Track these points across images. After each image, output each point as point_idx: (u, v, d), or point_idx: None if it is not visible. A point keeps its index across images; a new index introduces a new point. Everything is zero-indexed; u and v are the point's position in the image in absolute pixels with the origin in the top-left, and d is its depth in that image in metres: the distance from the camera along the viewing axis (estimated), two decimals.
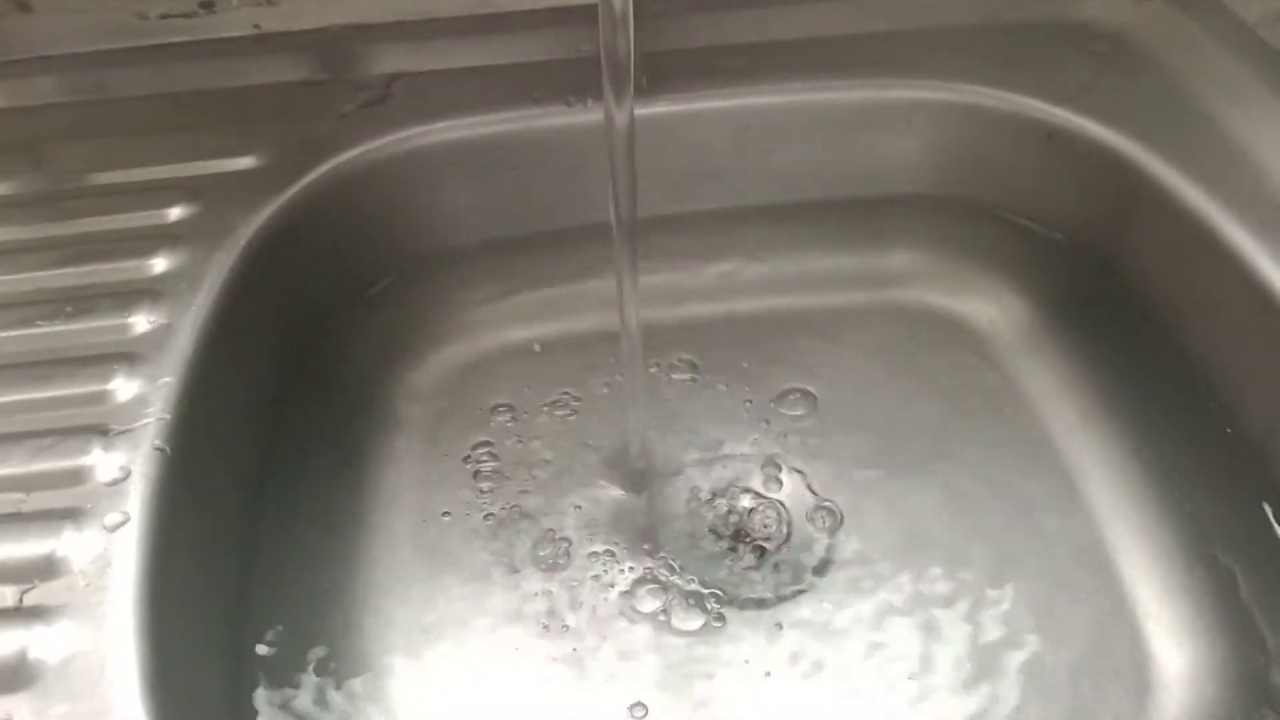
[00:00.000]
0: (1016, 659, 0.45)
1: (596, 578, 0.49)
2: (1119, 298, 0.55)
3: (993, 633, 0.46)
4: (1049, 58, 0.56)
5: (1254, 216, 0.48)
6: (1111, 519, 0.49)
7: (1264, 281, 0.46)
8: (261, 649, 0.44)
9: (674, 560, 0.49)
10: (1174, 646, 0.45)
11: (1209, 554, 0.47)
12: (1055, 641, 0.46)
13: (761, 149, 0.59)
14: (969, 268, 0.59)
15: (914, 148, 0.59)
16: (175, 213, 0.52)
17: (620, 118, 0.43)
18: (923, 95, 0.57)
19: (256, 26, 0.61)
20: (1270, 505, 0.46)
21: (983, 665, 0.45)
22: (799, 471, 0.52)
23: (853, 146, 0.59)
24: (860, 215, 0.60)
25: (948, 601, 0.47)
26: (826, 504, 0.51)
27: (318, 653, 0.45)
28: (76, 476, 0.40)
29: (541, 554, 0.49)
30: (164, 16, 0.60)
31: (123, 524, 0.39)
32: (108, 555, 0.38)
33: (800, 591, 0.48)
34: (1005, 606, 0.47)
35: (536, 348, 0.58)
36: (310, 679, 0.44)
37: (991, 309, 0.58)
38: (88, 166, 0.55)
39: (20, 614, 0.36)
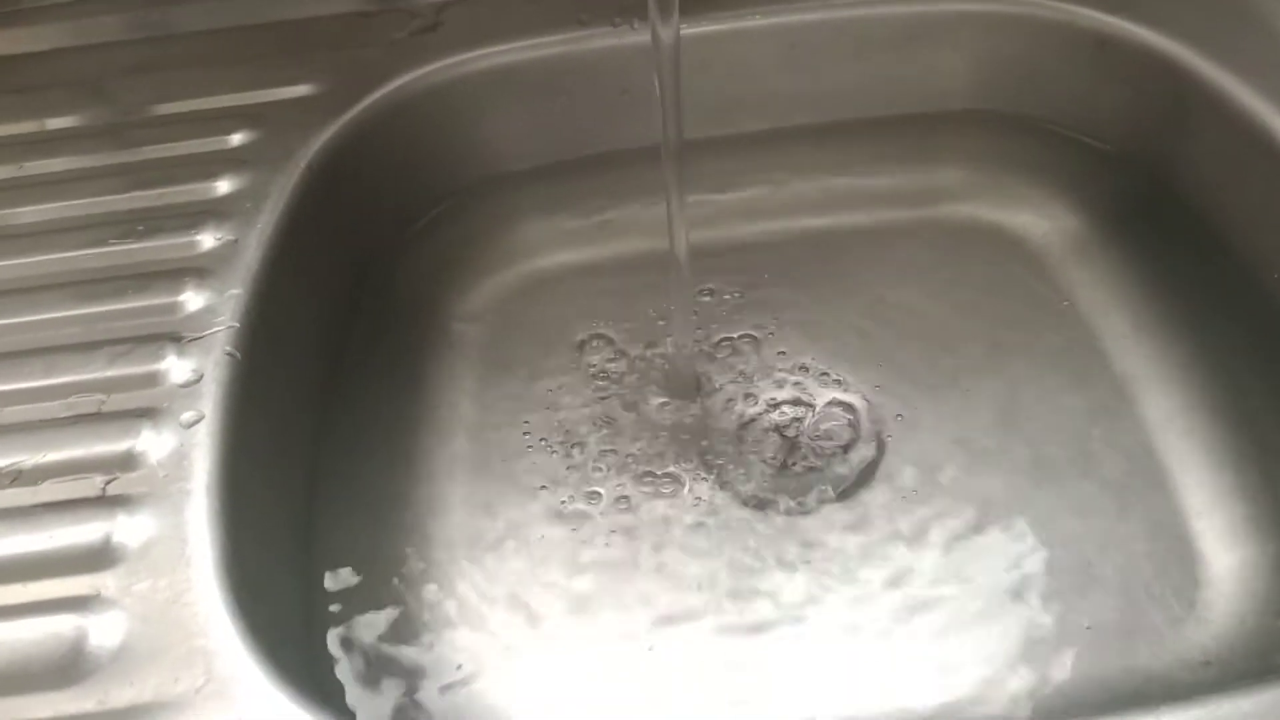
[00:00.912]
0: (1065, 558, 0.46)
1: (649, 482, 0.50)
2: (1171, 207, 0.54)
3: (1041, 534, 0.46)
4: None
5: None
6: (1162, 426, 0.49)
7: None
8: (326, 539, 0.46)
9: (728, 467, 0.50)
10: (1224, 548, 0.45)
11: (1261, 458, 0.47)
12: (1104, 543, 0.46)
13: (808, 67, 0.59)
14: (1019, 182, 0.59)
15: (961, 62, 0.59)
16: (237, 138, 0.53)
17: (666, 36, 0.43)
18: (970, 7, 0.57)
19: None
20: None
21: (1031, 566, 0.46)
22: (850, 382, 0.52)
23: (900, 63, 0.59)
24: (908, 132, 0.60)
25: (997, 505, 0.48)
26: (877, 412, 0.51)
27: (380, 546, 0.47)
28: (152, 379, 0.42)
29: (594, 462, 0.51)
30: None
31: (197, 421, 0.41)
32: (184, 449, 0.40)
33: (849, 495, 0.49)
34: (1052, 510, 0.47)
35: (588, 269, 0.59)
36: (373, 568, 0.46)
37: (1043, 222, 0.57)
38: (152, 98, 0.57)
39: (104, 502, 0.39)
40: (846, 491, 0.49)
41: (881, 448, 0.50)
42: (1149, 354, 0.52)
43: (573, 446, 0.52)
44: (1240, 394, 0.49)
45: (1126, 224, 0.56)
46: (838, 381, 0.53)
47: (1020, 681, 0.43)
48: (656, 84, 0.44)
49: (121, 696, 0.34)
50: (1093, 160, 0.57)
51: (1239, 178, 0.51)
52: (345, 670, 0.42)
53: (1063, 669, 0.43)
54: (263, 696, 0.33)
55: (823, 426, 0.51)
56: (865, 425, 0.51)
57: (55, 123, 0.56)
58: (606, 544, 0.48)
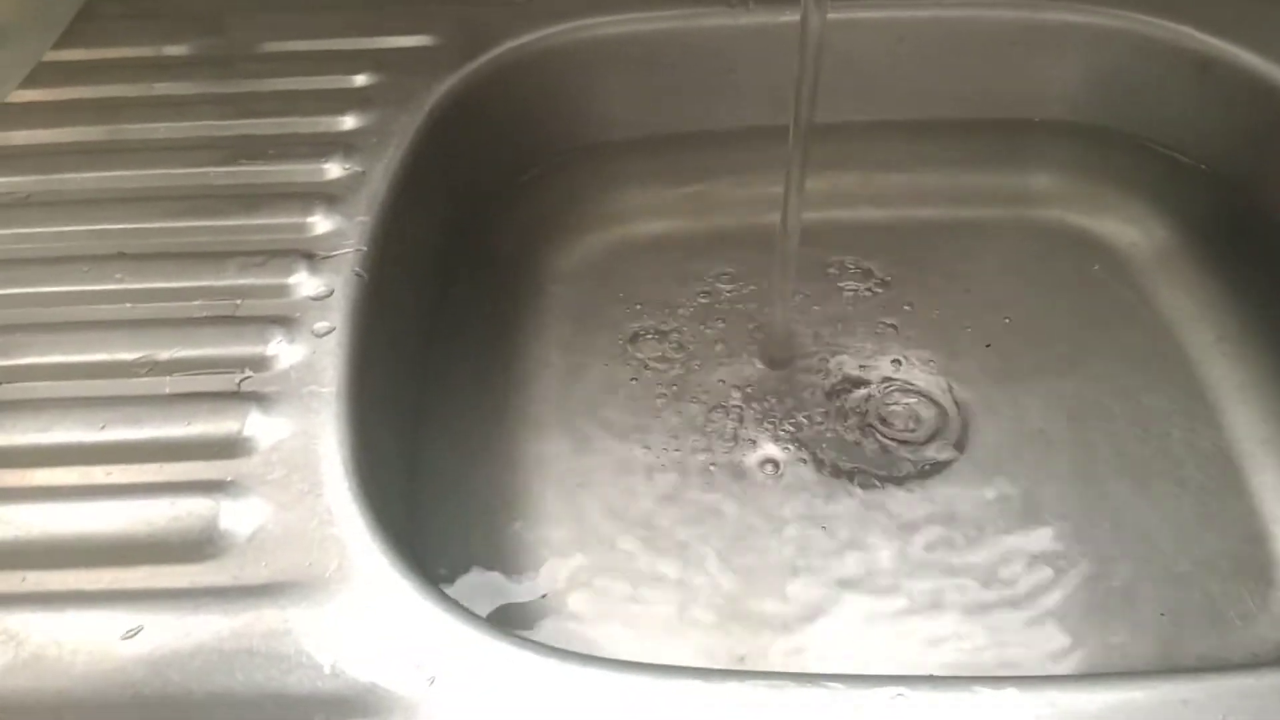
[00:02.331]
0: (1142, 551, 0.47)
1: (730, 440, 0.51)
2: (1260, 227, 0.56)
3: (1115, 529, 0.48)
4: None
5: None
6: (1240, 432, 0.51)
7: None
8: (431, 453, 0.47)
9: (812, 440, 0.51)
10: None
11: None
12: (1181, 540, 0.47)
13: (913, 63, 0.61)
14: (1110, 191, 0.60)
15: (1066, 71, 0.60)
16: (361, 79, 0.55)
17: (815, 20, 0.45)
18: (1076, 19, 0.59)
19: None
20: None
21: (1108, 555, 0.47)
22: (933, 371, 0.54)
23: (1003, 66, 0.61)
24: (1005, 136, 0.62)
25: (1077, 496, 0.49)
26: (959, 401, 0.52)
27: (476, 469, 0.49)
28: (285, 290, 0.44)
29: (678, 418, 0.52)
30: None
31: (329, 331, 0.42)
32: (315, 356, 0.41)
33: (930, 478, 0.50)
34: (1129, 506, 0.48)
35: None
36: (470, 482, 0.48)
37: (1131, 231, 0.59)
38: (272, 36, 0.59)
39: (238, 397, 0.40)
40: (927, 474, 0.50)
41: (965, 433, 0.52)
42: (1230, 363, 0.53)
43: (656, 401, 0.53)
44: None
45: (1214, 240, 0.57)
46: (926, 366, 0.54)
47: (1093, 662, 0.44)
48: (799, 63, 0.45)
49: (256, 574, 0.35)
50: (1185, 176, 0.59)
51: None
52: (445, 569, 0.44)
53: (1137, 653, 0.44)
54: (391, 585, 0.35)
55: (908, 409, 0.53)
56: (950, 410, 0.52)
57: (175, 50, 0.59)
58: (687, 494, 0.49)
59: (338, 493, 0.37)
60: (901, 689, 0.31)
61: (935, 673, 0.43)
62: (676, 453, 0.51)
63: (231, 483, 0.37)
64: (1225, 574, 0.46)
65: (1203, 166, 0.58)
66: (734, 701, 0.32)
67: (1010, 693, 0.31)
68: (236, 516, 0.37)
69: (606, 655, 0.40)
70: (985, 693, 0.31)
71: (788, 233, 0.50)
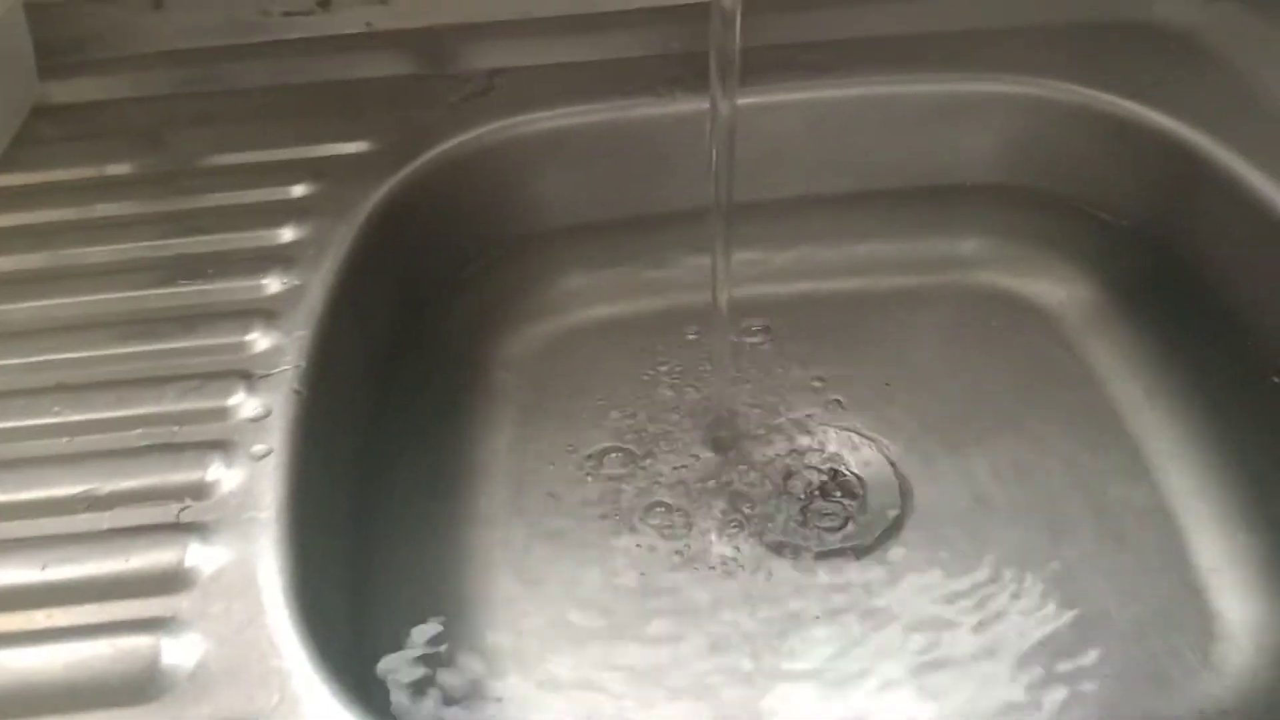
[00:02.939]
0: (1083, 613, 0.48)
1: (672, 527, 0.52)
2: (1184, 282, 0.57)
3: (1058, 590, 0.48)
4: (1120, 55, 0.60)
5: None
6: (1176, 487, 0.52)
7: None
8: (377, 567, 0.48)
9: (754, 518, 0.52)
10: (1238, 603, 0.47)
11: (1272, 520, 0.49)
12: (1121, 598, 0.48)
13: (837, 140, 0.62)
14: (1038, 253, 0.62)
15: (987, 140, 0.62)
16: (299, 190, 0.56)
17: (725, 107, 0.46)
18: (997, 89, 0.61)
19: (369, 24, 0.65)
20: None
21: (1049, 617, 0.47)
22: (871, 440, 0.55)
23: (927, 138, 0.62)
24: (933, 203, 0.63)
25: (1015, 560, 0.50)
26: (897, 471, 0.53)
27: (426, 576, 0.49)
28: (223, 414, 0.45)
29: (629, 507, 0.53)
30: (286, 14, 0.65)
31: (267, 454, 0.43)
32: (254, 480, 0.42)
33: (869, 549, 0.51)
34: (1070, 566, 0.49)
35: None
36: (419, 597, 0.48)
37: (1060, 292, 0.60)
38: (215, 149, 0.59)
39: (178, 528, 0.40)
40: (866, 545, 0.51)
41: (903, 502, 0.52)
42: (1162, 419, 0.54)
43: (607, 489, 0.54)
44: (1250, 458, 0.51)
45: (1141, 296, 0.59)
46: (863, 436, 0.55)
47: None
48: (712, 151, 0.47)
49: (198, 714, 0.35)
50: (1109, 235, 0.60)
51: (1248, 256, 0.54)
52: (397, 696, 0.44)
53: (1082, 714, 0.45)
54: (334, 717, 0.35)
55: (845, 480, 0.53)
56: (887, 480, 0.53)
57: (116, 169, 0.59)
58: (639, 579, 0.50)
59: (278, 622, 0.37)
60: None
61: None
62: (633, 545, 0.51)
63: (172, 619, 0.38)
64: (1167, 630, 0.47)
65: (1124, 224, 0.60)
66: None
67: None
68: (178, 653, 0.37)
69: None
70: None
71: (719, 311, 0.51)
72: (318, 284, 0.50)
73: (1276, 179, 0.53)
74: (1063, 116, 0.60)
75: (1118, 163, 0.59)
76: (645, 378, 0.59)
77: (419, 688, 0.45)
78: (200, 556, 0.40)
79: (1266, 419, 0.52)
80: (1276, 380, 0.52)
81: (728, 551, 0.51)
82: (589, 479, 0.54)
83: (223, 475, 0.42)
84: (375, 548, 0.48)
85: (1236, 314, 0.54)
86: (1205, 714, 0.44)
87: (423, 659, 0.46)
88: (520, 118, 0.60)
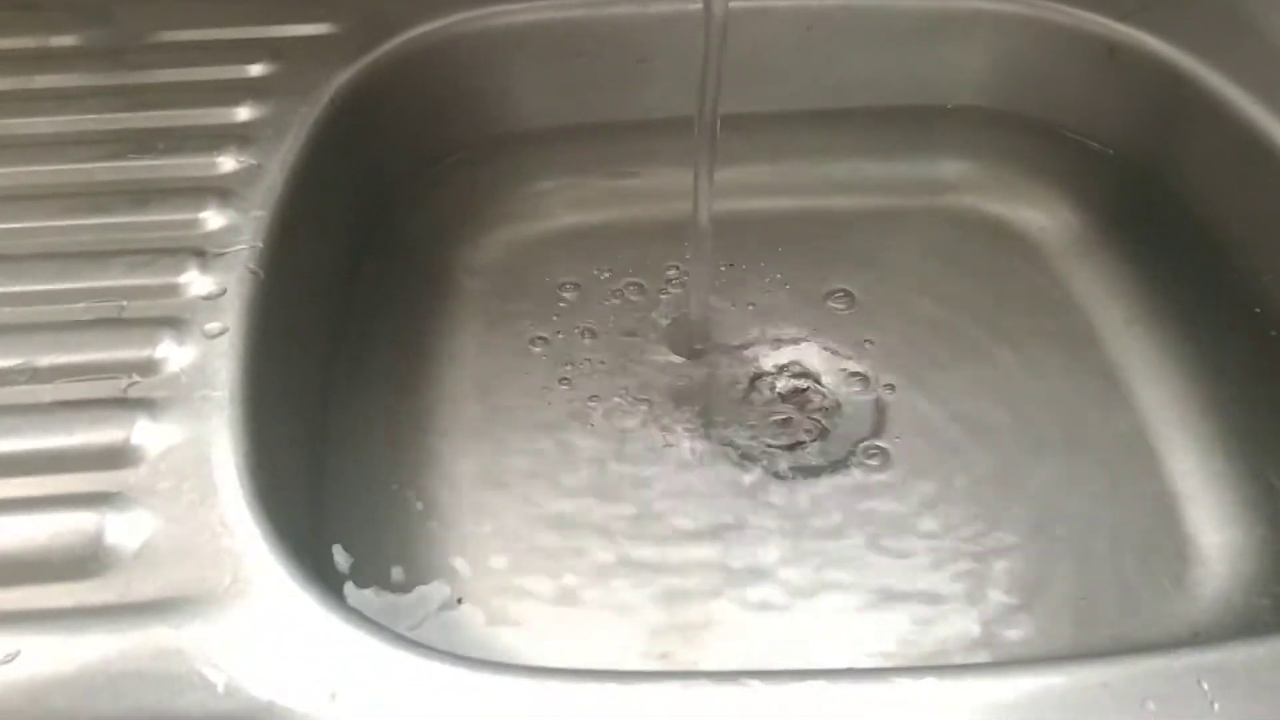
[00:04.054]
0: (1057, 532, 0.47)
1: (635, 430, 0.50)
2: (1168, 209, 0.56)
3: (1034, 508, 0.48)
4: None
5: None
6: (1154, 412, 0.51)
7: None
8: (337, 451, 0.45)
9: (727, 428, 0.51)
10: (1213, 529, 0.47)
11: (1249, 445, 0.49)
12: (1095, 519, 0.47)
13: (822, 52, 0.60)
14: (1022, 178, 0.60)
15: (973, 59, 0.60)
16: (256, 69, 0.53)
17: (718, 7, 0.44)
18: (985, 6, 0.59)
19: None
20: None
21: (1024, 537, 0.47)
22: (851, 355, 0.53)
23: (913, 55, 0.60)
24: (916, 124, 0.62)
25: (992, 479, 0.49)
26: (874, 386, 0.52)
27: (386, 462, 0.47)
28: (174, 290, 0.42)
29: (595, 412, 0.51)
30: None
31: (222, 332, 0.40)
32: (207, 359, 0.39)
33: (845, 464, 0.49)
34: (1045, 488, 0.48)
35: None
36: (378, 480, 0.46)
37: (1042, 217, 0.59)
38: (165, 25, 0.56)
39: (125, 404, 0.38)
40: (842, 460, 0.50)
41: (879, 420, 0.51)
42: (1143, 345, 0.53)
43: (571, 394, 0.52)
44: (1229, 385, 0.51)
45: (1124, 223, 0.58)
46: (839, 354, 0.54)
47: (1016, 648, 0.44)
48: (703, 53, 0.45)
49: (145, 591, 0.33)
50: (1094, 161, 0.59)
51: (1234, 182, 0.53)
52: (350, 577, 0.42)
53: (1055, 636, 0.44)
54: (289, 597, 0.33)
55: (822, 395, 0.52)
56: (861, 397, 0.52)
57: (61, 41, 0.56)
58: (604, 488, 0.48)
59: (232, 502, 0.35)
60: (821, 682, 0.31)
61: (855, 663, 0.42)
62: (594, 448, 0.50)
63: (117, 495, 0.35)
64: (1141, 554, 0.46)
65: (1110, 151, 0.59)
66: (650, 703, 0.31)
67: (929, 682, 0.31)
68: (123, 530, 0.35)
69: (523, 660, 0.40)
70: (904, 683, 0.31)
71: (700, 223, 0.50)
72: (276, 165, 0.48)
73: (1266, 105, 0.52)
74: (1051, 37, 0.58)
75: (1105, 87, 0.58)
76: (615, 287, 0.57)
77: (375, 574, 0.43)
78: (148, 434, 0.37)
79: (1246, 347, 0.51)
80: (1258, 311, 0.51)
81: (692, 460, 0.50)
82: (555, 383, 0.52)
83: (173, 353, 0.40)
84: (335, 436, 0.46)
85: (1221, 242, 0.54)
86: (1177, 636, 0.44)
87: (381, 547, 0.44)
88: (492, 9, 0.57)
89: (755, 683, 0.31)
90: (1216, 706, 0.30)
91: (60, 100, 0.51)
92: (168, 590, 0.33)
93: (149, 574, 0.33)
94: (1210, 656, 0.32)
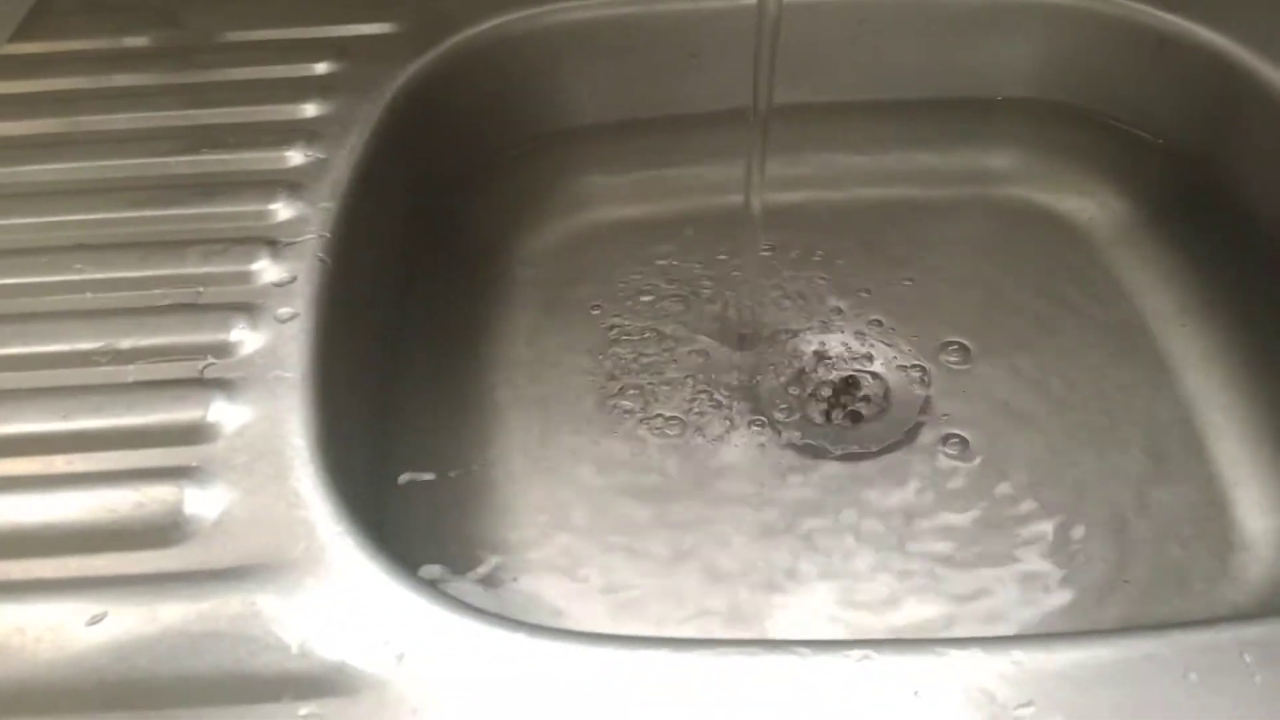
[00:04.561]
0: (1104, 518, 0.47)
1: (696, 421, 0.51)
2: (1218, 200, 0.57)
3: (1081, 495, 0.48)
4: None
5: None
6: (1202, 401, 0.51)
7: None
8: (401, 430, 0.47)
9: (777, 415, 0.52)
10: (1259, 514, 0.47)
11: None
12: (1142, 505, 0.48)
13: (874, 45, 0.61)
14: (1071, 168, 0.61)
15: (1023, 51, 0.61)
16: (322, 67, 0.55)
17: (772, 4, 0.45)
18: None
19: None
20: None
21: (1070, 524, 0.47)
22: (901, 343, 0.54)
23: (964, 47, 0.61)
24: (967, 115, 0.62)
25: (1039, 466, 0.49)
26: (924, 375, 0.53)
27: (446, 443, 0.49)
28: (247, 278, 0.44)
29: (650, 401, 0.52)
30: None
31: (293, 317, 0.42)
32: (279, 342, 0.41)
33: (894, 450, 0.50)
34: (1092, 474, 0.49)
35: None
36: (440, 458, 0.48)
37: (1092, 207, 0.60)
38: (231, 26, 0.58)
39: (201, 384, 0.40)
40: (891, 446, 0.51)
41: (929, 407, 0.52)
42: (1191, 334, 0.54)
43: (626, 382, 0.53)
44: (1276, 374, 0.51)
45: (1173, 214, 0.58)
46: (889, 344, 0.54)
47: (1056, 625, 0.44)
48: (755, 48, 0.46)
49: (222, 558, 0.35)
50: (1144, 152, 0.59)
51: None
52: (415, 550, 0.44)
53: (1100, 618, 0.44)
54: (358, 566, 0.35)
55: (874, 383, 0.53)
56: (916, 384, 0.53)
57: (134, 42, 0.58)
58: (653, 468, 0.49)
59: (304, 476, 0.37)
60: (868, 651, 0.32)
61: (903, 635, 0.43)
62: (650, 435, 0.51)
63: (196, 468, 0.37)
64: (1188, 540, 0.47)
65: (1160, 141, 0.59)
66: (703, 670, 0.32)
67: (975, 652, 0.32)
68: (202, 502, 0.36)
69: (579, 629, 0.41)
70: (951, 653, 0.32)
71: (752, 214, 0.51)
72: (342, 159, 0.49)
73: None
74: (1102, 29, 0.59)
75: (1156, 78, 0.58)
76: (668, 277, 0.58)
77: (437, 548, 0.44)
78: (224, 412, 0.39)
79: None
80: None
81: (744, 447, 0.51)
82: (608, 368, 0.54)
83: (247, 336, 0.42)
84: (399, 418, 0.48)
85: (1270, 234, 0.54)
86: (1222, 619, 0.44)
87: (442, 523, 0.45)
88: (547, 6, 0.59)
89: (806, 651, 0.32)
90: (1258, 679, 0.31)
91: (136, 98, 0.54)
92: (244, 558, 0.35)
93: (226, 543, 0.35)
94: (1254, 630, 0.32)
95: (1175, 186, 0.59)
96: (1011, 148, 0.62)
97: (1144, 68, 0.58)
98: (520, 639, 0.33)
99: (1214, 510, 0.48)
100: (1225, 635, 0.32)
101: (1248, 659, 0.31)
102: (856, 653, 0.32)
